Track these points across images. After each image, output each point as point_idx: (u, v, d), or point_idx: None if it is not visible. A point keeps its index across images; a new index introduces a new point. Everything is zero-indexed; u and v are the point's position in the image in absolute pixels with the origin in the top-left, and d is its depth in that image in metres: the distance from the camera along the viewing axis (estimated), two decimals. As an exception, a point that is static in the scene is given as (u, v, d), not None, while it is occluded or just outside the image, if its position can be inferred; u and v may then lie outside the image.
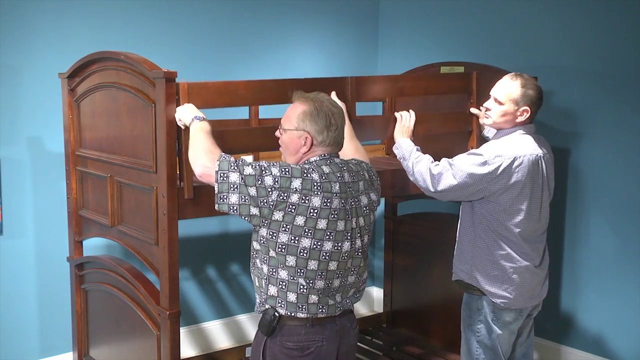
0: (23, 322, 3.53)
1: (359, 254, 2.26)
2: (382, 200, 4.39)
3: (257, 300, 2.25)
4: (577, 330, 3.73)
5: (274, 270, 2.15)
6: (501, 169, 2.59)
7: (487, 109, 2.77)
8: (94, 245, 3.45)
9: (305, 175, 2.10)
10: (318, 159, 2.20)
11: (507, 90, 2.70)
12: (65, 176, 3.21)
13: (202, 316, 4.06)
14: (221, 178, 2.08)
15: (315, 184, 2.10)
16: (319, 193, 2.10)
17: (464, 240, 2.80)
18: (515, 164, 2.60)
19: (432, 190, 2.70)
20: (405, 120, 2.98)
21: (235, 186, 2.06)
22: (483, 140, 3.13)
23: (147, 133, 2.51)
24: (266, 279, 2.18)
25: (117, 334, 2.98)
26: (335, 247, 2.15)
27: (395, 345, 4.07)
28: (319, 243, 2.12)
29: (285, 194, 2.07)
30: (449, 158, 2.72)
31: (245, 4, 4.06)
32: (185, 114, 2.35)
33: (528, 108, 2.68)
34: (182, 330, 3.86)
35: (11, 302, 3.47)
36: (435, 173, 2.68)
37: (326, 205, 2.10)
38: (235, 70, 4.03)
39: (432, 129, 3.16)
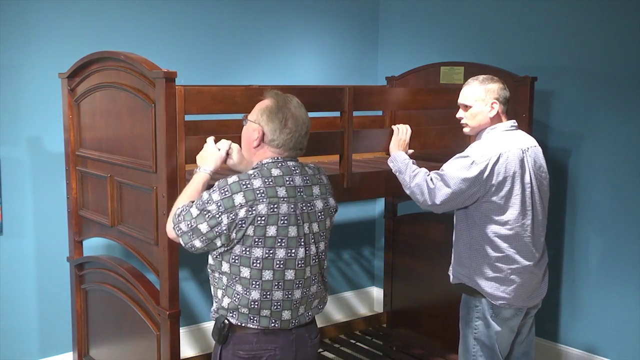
0: (23, 322, 3.53)
1: (316, 261, 2.21)
2: (382, 200, 4.40)
3: (212, 308, 2.24)
4: (576, 330, 3.73)
5: (232, 282, 2.14)
6: (490, 166, 2.61)
7: (460, 119, 2.83)
8: (94, 245, 3.45)
9: (244, 186, 2.07)
10: (270, 161, 2.16)
11: (470, 92, 2.78)
12: (65, 176, 3.21)
13: (202, 316, 4.07)
14: (179, 231, 2.14)
15: (257, 191, 2.07)
16: (263, 200, 2.07)
17: (460, 244, 2.80)
18: (502, 160, 2.63)
19: (430, 203, 2.71)
20: (402, 133, 3.01)
21: (191, 233, 2.11)
22: None
23: (147, 133, 2.51)
24: (224, 289, 2.17)
25: (117, 334, 2.98)
26: (289, 254, 2.12)
27: (395, 345, 4.07)
28: (271, 251, 2.09)
29: (233, 214, 2.06)
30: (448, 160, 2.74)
31: (246, 4, 4.07)
32: (204, 160, 2.32)
33: (495, 100, 2.73)
34: (182, 330, 3.86)
35: (11, 302, 3.47)
36: (432, 187, 2.69)
37: (273, 211, 2.08)
38: (235, 70, 4.03)
39: (428, 143, 3.20)
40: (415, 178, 2.76)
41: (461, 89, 2.83)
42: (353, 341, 4.11)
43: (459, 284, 2.84)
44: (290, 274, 2.13)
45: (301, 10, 4.32)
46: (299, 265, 2.15)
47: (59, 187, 3.44)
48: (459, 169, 2.63)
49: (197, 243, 2.12)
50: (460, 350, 2.86)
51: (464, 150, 3.29)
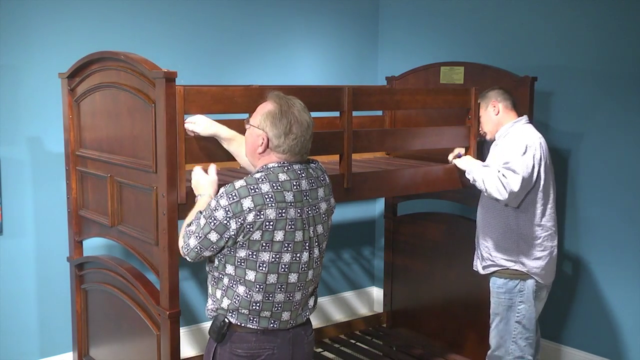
0: (23, 322, 3.53)
1: (318, 263, 2.22)
2: (382, 200, 4.40)
3: (209, 306, 2.23)
4: (576, 330, 3.73)
5: (234, 284, 2.13)
6: (537, 149, 2.96)
7: (481, 129, 3.24)
8: (94, 245, 3.45)
9: (252, 190, 2.06)
10: (276, 165, 2.14)
11: (479, 109, 3.23)
12: (65, 176, 3.21)
13: (202, 316, 4.06)
14: (187, 249, 2.17)
15: (266, 196, 2.06)
16: (272, 204, 2.06)
17: (505, 233, 3.02)
18: (537, 144, 2.97)
19: (509, 194, 2.91)
20: (462, 159, 3.24)
21: (200, 246, 2.13)
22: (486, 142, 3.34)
23: (147, 133, 2.51)
24: (223, 289, 2.16)
25: (117, 334, 2.98)
26: (294, 258, 2.12)
27: (395, 345, 4.07)
28: (278, 255, 2.09)
29: (241, 218, 2.05)
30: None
31: (246, 4, 4.07)
32: (200, 187, 2.35)
33: (494, 100, 3.13)
34: (182, 330, 3.86)
35: (11, 302, 3.47)
36: (505, 181, 2.91)
37: (281, 216, 2.07)
38: (235, 70, 4.03)
39: (428, 143, 3.24)
40: (488, 179, 2.98)
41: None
42: (353, 341, 4.11)
43: (497, 271, 3.05)
44: (293, 277, 2.14)
45: (301, 10, 4.32)
46: (302, 269, 2.15)
47: (59, 187, 3.44)
48: (519, 155, 2.92)
49: (207, 253, 2.15)
50: (497, 332, 3.06)
51: (463, 150, 3.39)
